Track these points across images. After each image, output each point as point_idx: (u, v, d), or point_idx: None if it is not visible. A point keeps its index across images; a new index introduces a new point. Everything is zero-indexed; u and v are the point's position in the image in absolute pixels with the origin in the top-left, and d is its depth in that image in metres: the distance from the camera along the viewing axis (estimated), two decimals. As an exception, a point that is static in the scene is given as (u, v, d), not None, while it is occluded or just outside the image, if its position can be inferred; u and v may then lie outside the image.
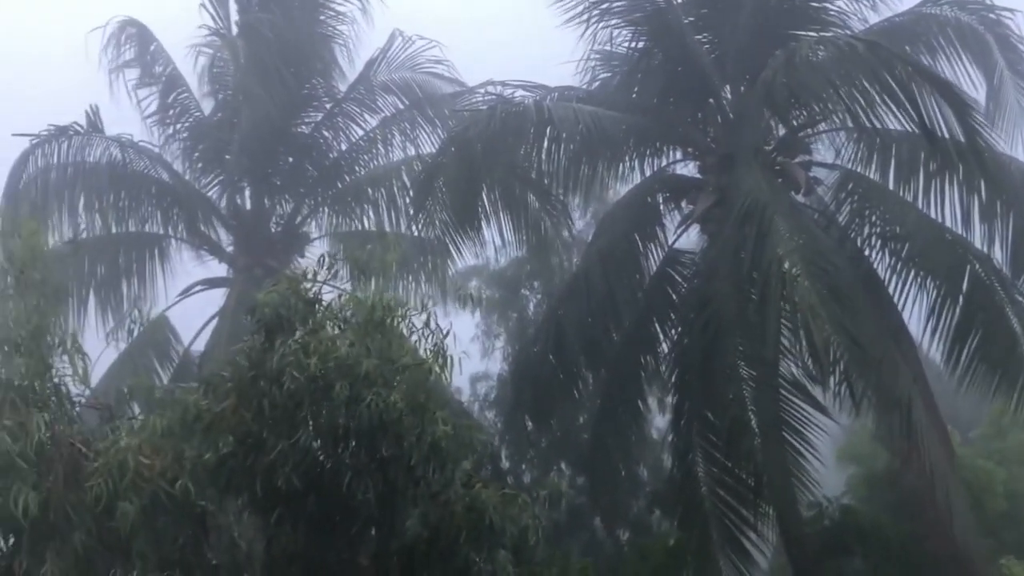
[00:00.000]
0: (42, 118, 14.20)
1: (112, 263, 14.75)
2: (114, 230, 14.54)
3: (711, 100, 12.82)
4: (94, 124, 14.27)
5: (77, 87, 15.93)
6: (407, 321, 7.83)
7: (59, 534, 7.54)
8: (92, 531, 7.56)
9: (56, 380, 8.27)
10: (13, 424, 7.56)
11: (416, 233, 12.92)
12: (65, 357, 8.26)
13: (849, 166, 12.59)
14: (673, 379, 12.77)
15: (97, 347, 9.15)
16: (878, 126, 10.97)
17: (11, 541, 7.87)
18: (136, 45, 15.30)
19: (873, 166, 12.38)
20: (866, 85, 10.56)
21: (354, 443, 7.40)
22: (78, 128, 14.15)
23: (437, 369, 7.65)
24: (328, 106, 15.80)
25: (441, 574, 7.53)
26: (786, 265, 10.46)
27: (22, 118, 15.29)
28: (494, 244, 13.19)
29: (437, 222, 12.32)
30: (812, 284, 10.41)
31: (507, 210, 12.80)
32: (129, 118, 15.07)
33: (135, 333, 10.95)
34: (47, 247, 9.00)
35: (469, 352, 12.63)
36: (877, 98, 10.50)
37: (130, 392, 8.97)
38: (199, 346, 14.71)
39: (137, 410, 8.83)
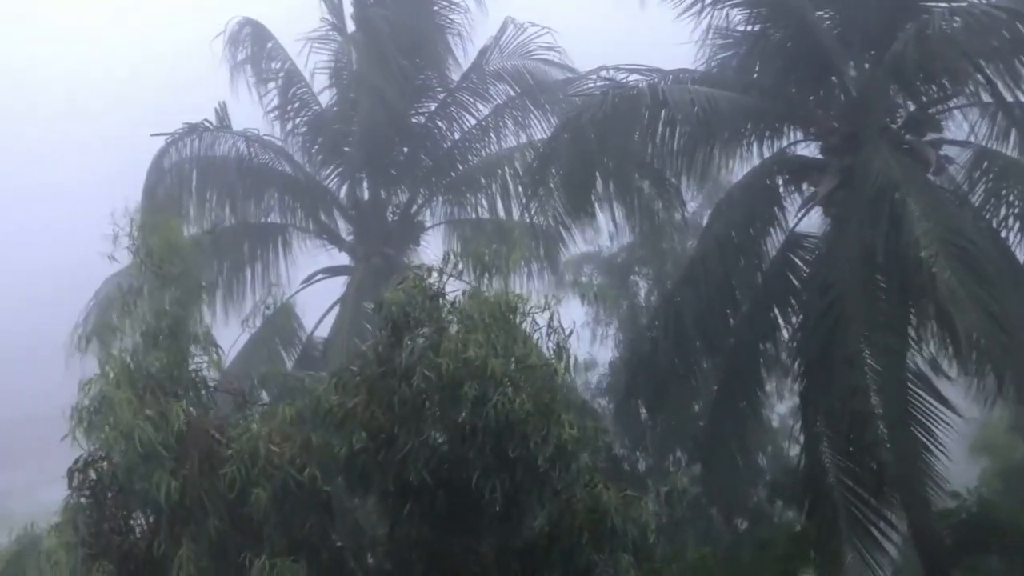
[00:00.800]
0: (174, 117, 14.92)
1: (238, 253, 15.33)
2: (240, 221, 15.12)
3: (833, 78, 12.34)
4: (222, 120, 14.87)
5: (201, 86, 16.61)
6: (530, 319, 7.84)
7: (194, 519, 7.84)
8: (225, 516, 7.81)
9: (193, 368, 8.64)
10: (155, 414, 7.89)
11: (529, 220, 12.94)
12: (201, 348, 8.62)
13: (984, 143, 11.97)
14: (796, 367, 12.44)
15: (223, 333, 9.50)
16: (1022, 99, 10.31)
17: (151, 521, 8.27)
18: (253, 44, 15.79)
19: (1010, 142, 11.74)
20: (1008, 56, 9.96)
21: (481, 441, 7.47)
22: (208, 125, 14.76)
23: (562, 370, 7.64)
24: (442, 96, 15.94)
25: (562, 573, 7.54)
26: (923, 249, 10.00)
27: (159, 118, 16.06)
28: (607, 230, 13.10)
29: (550, 209, 12.29)
30: (951, 267, 9.92)
31: (619, 195, 12.65)
32: (252, 114, 15.63)
33: (269, 313, 11.33)
34: (183, 240, 9.36)
35: (581, 340, 12.54)
36: (1022, 69, 9.90)
37: (261, 380, 9.33)
38: (321, 332, 15.19)
39: (266, 397, 9.16)
